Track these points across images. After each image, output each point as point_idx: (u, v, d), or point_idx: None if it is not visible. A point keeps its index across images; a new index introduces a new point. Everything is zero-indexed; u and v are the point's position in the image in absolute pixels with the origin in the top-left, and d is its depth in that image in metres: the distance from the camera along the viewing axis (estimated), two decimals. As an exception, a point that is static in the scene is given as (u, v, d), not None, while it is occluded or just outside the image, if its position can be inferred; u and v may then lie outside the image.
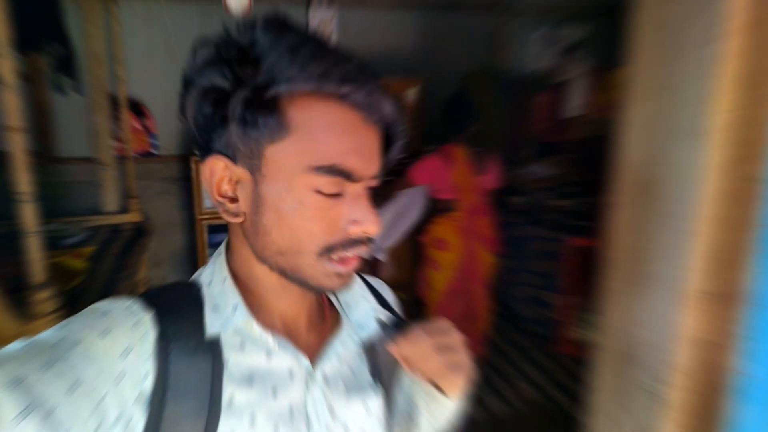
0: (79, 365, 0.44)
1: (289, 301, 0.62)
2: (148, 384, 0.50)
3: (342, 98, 0.52)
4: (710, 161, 0.90)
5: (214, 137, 0.54)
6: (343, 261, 0.56)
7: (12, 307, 1.53)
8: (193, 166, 3.86)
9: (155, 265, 4.34)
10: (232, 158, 0.54)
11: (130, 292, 3.08)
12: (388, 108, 0.55)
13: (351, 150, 0.52)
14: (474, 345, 3.30)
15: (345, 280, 0.58)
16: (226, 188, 0.57)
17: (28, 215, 1.59)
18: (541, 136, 4.24)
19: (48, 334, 0.47)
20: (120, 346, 0.49)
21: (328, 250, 0.54)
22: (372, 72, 0.54)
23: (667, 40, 0.98)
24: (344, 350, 0.65)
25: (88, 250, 2.77)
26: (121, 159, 3.75)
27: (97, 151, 3.58)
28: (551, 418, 2.76)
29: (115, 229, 3.45)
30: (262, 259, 0.58)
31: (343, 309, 0.68)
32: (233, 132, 0.52)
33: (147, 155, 4.17)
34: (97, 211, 3.61)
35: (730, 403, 0.89)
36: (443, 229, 3.10)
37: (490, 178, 3.12)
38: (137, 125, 4.02)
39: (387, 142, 0.58)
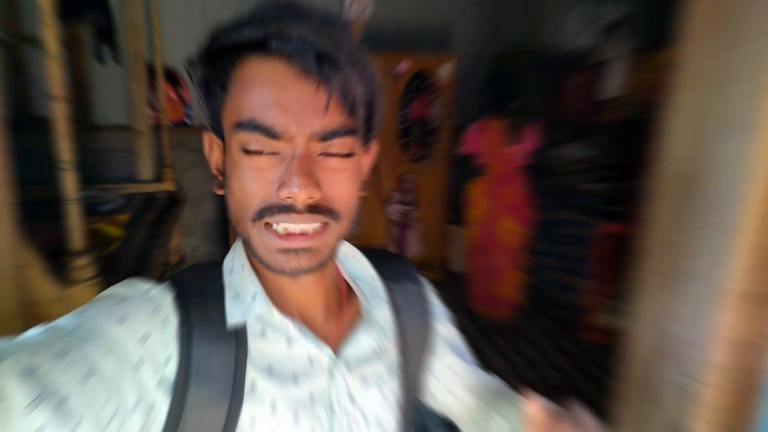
0: (94, 353, 0.44)
1: (302, 289, 0.61)
2: (170, 369, 0.51)
3: (271, 53, 0.49)
4: (760, 157, 0.86)
5: (204, 112, 0.57)
6: (285, 236, 0.52)
7: (51, 272, 1.57)
8: (225, 137, 3.90)
9: (187, 235, 4.43)
10: (215, 131, 0.57)
11: (163, 260, 3.16)
12: (331, 62, 0.49)
13: (271, 104, 0.49)
14: (500, 309, 3.55)
15: (296, 260, 0.53)
16: (219, 162, 0.58)
17: (69, 183, 1.63)
18: (576, 117, 4.14)
19: (65, 321, 0.47)
20: (138, 333, 0.49)
21: (259, 215, 0.52)
22: (317, 24, 0.50)
23: (722, 27, 0.93)
24: (365, 339, 0.64)
25: (124, 217, 2.82)
26: (157, 128, 3.80)
27: (134, 120, 3.64)
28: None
29: (150, 197, 3.52)
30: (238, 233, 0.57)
31: (366, 300, 0.67)
32: (203, 105, 0.56)
33: (181, 125, 4.22)
34: (132, 179, 3.68)
35: (763, 404, 0.87)
36: (474, 189, 3.55)
37: (522, 149, 3.36)
38: (173, 95, 4.06)
39: (348, 101, 0.51)
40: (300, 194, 0.49)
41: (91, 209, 2.65)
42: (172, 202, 3.58)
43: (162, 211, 3.35)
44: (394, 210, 4.09)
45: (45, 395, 0.38)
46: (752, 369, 0.89)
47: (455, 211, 3.98)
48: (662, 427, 1.06)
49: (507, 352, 3.32)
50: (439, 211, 4.46)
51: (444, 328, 0.77)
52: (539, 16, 4.48)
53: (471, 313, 3.70)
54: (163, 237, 2.98)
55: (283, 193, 0.50)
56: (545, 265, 3.95)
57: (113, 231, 2.56)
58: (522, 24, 4.51)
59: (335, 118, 0.51)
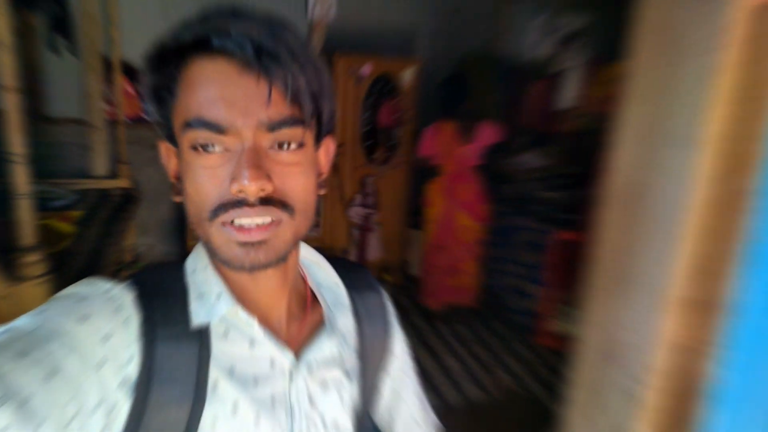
0: (56, 352, 0.44)
1: (265, 291, 0.62)
2: (132, 369, 0.50)
3: (215, 53, 0.50)
4: (701, 170, 0.91)
5: (156, 120, 0.58)
6: (241, 229, 0.52)
7: (0, 268, 1.53)
8: (184, 134, 3.84)
9: (142, 233, 4.32)
10: (168, 138, 0.58)
11: (117, 258, 3.07)
12: (273, 56, 0.50)
13: (215, 99, 0.50)
14: (460, 296, 3.74)
15: (254, 254, 0.53)
16: (176, 170, 0.59)
17: (20, 176, 1.58)
18: (533, 126, 4.25)
19: (24, 321, 0.47)
20: (100, 332, 0.48)
21: (215, 213, 0.52)
22: (255, 20, 0.51)
23: (668, 43, 0.98)
24: (327, 345, 0.65)
25: (76, 213, 2.75)
26: (112, 123, 3.70)
27: (88, 114, 3.53)
28: (527, 408, 2.82)
29: (104, 194, 3.42)
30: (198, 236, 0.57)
31: (329, 307, 0.68)
32: (153, 113, 0.56)
33: (138, 121, 4.12)
34: (85, 175, 3.57)
35: (703, 407, 0.92)
36: (431, 189, 3.70)
37: (474, 147, 3.50)
38: (130, 90, 3.96)
39: (291, 91, 0.52)
40: (250, 186, 0.50)
41: (42, 204, 2.56)
42: (128, 199, 3.49)
43: (117, 208, 3.27)
44: (356, 213, 4.09)
45: (8, 396, 0.38)
46: (692, 373, 0.94)
47: (416, 215, 4.04)
48: (608, 430, 1.10)
49: (463, 355, 3.37)
50: (400, 214, 4.50)
51: (399, 348, 0.78)
52: (500, 25, 4.58)
53: (426, 314, 3.75)
54: (117, 235, 2.90)
55: (234, 187, 0.50)
56: (501, 270, 4.03)
57: (65, 227, 2.49)
58: (484, 32, 4.60)
59: (280, 109, 0.51)
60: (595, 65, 3.65)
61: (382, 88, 4.16)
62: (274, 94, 0.50)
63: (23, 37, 3.33)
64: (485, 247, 3.79)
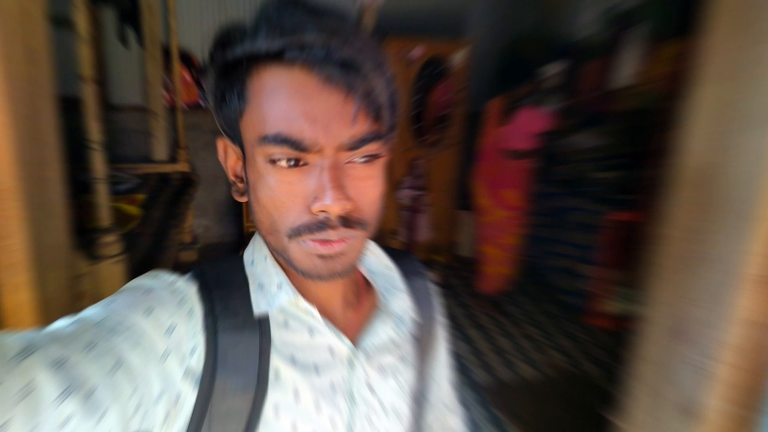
0: (121, 345, 0.44)
1: (321, 282, 0.60)
2: (195, 359, 0.51)
3: (291, 62, 0.47)
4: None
5: (218, 118, 0.55)
6: (323, 242, 0.51)
7: (81, 248, 1.62)
8: (239, 119, 3.93)
9: (200, 215, 4.48)
10: (231, 138, 0.56)
11: (179, 239, 3.19)
12: (355, 69, 0.47)
13: (297, 116, 0.47)
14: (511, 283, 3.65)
15: (331, 265, 0.53)
16: (237, 169, 0.59)
17: (98, 162, 1.68)
18: (589, 105, 4.15)
19: (92, 312, 0.47)
20: (164, 325, 0.49)
21: (296, 233, 0.51)
22: (335, 30, 0.48)
23: (748, 23, 0.95)
24: (382, 329, 0.66)
25: (141, 197, 2.87)
26: (171, 109, 3.83)
27: (149, 101, 3.67)
28: (579, 386, 2.82)
29: (164, 177, 3.56)
30: (265, 240, 0.58)
31: (381, 292, 0.68)
32: (215, 110, 0.55)
33: (196, 107, 4.24)
34: (147, 160, 3.72)
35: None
36: (475, 174, 3.61)
37: (510, 130, 3.34)
38: (187, 77, 4.08)
39: (373, 107, 0.49)
40: (334, 207, 0.48)
41: (109, 188, 2.69)
42: (187, 182, 3.62)
43: (177, 191, 3.40)
44: (405, 195, 4.12)
45: (74, 386, 0.39)
46: (765, 348, 0.94)
47: (465, 197, 4.02)
48: (677, 404, 1.10)
49: (514, 333, 3.38)
50: (450, 196, 4.50)
51: (442, 334, 0.79)
52: (554, 3, 4.46)
53: (478, 295, 3.76)
54: (178, 217, 3.02)
55: (317, 207, 0.49)
56: (553, 251, 3.99)
57: (132, 210, 2.61)
58: (536, 11, 4.50)
59: (362, 126, 0.49)
60: (654, 42, 3.53)
61: (433, 70, 4.15)
62: (358, 112, 0.48)
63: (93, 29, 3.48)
64: (534, 229, 3.74)
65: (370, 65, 0.48)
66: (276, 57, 0.48)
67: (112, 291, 0.52)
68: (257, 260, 0.61)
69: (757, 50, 0.93)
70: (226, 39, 0.50)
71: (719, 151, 1.01)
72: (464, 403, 0.80)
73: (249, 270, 0.61)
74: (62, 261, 1.38)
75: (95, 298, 0.52)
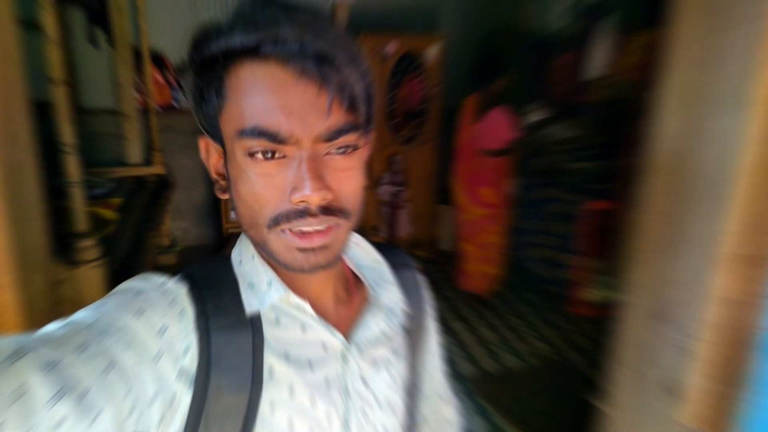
0: (113, 346, 0.44)
1: (313, 280, 0.62)
2: (189, 360, 0.51)
3: (266, 57, 0.49)
4: (750, 132, 0.92)
5: (198, 117, 0.56)
6: (302, 235, 0.52)
7: (58, 253, 1.59)
8: (214, 120, 3.89)
9: (178, 218, 4.43)
10: (212, 137, 0.57)
11: (156, 243, 3.14)
12: (329, 62, 0.48)
13: (273, 108, 0.48)
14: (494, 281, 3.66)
15: (313, 258, 0.53)
16: (219, 167, 0.59)
17: (72, 166, 1.65)
18: (561, 97, 4.21)
19: (83, 315, 0.47)
20: (155, 326, 0.49)
21: (275, 221, 0.52)
22: (309, 25, 0.49)
23: (714, 9, 0.98)
24: (374, 322, 0.66)
25: (117, 201, 2.83)
26: (144, 112, 3.77)
27: (121, 104, 3.61)
28: (563, 374, 2.86)
29: (140, 181, 3.51)
30: (248, 236, 0.58)
31: (371, 286, 0.68)
32: (195, 109, 0.56)
33: (169, 108, 4.19)
34: (121, 163, 3.66)
35: (755, 358, 0.95)
36: (452, 168, 3.63)
37: (481, 128, 3.36)
38: (159, 78, 4.02)
39: (348, 98, 0.51)
40: (313, 197, 0.49)
41: (84, 193, 2.65)
42: (163, 185, 3.57)
43: (153, 194, 3.35)
44: (385, 191, 4.13)
45: (67, 388, 0.38)
46: (744, 325, 0.96)
47: (444, 192, 4.04)
48: (659, 384, 1.13)
49: (497, 325, 3.41)
50: (429, 191, 4.52)
51: (432, 325, 0.80)
52: (524, -3, 4.51)
53: (460, 293, 3.78)
54: (156, 220, 2.99)
55: (296, 197, 0.50)
56: (532, 242, 4.04)
57: (108, 214, 2.57)
58: (508, 4, 4.54)
59: (338, 118, 0.50)
60: (624, 33, 3.59)
61: (408, 66, 4.16)
62: (333, 103, 0.49)
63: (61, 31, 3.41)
64: (514, 220, 3.77)
65: (344, 58, 0.49)
66: (251, 52, 0.49)
67: (92, 296, 0.51)
68: (245, 259, 0.62)
69: (722, 36, 0.96)
70: (203, 38, 0.51)
71: (690, 136, 1.04)
72: (450, 380, 0.81)
73: (238, 270, 0.61)
74: (42, 264, 1.36)
75: (75, 303, 0.51)
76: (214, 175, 0.60)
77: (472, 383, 2.73)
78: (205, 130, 0.57)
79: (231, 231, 4.15)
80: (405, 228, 4.22)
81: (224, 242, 4.23)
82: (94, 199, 2.79)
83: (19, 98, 1.20)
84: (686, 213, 1.04)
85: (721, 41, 0.96)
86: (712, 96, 0.99)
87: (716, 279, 0.98)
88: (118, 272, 2.04)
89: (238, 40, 0.49)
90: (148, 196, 3.26)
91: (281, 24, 0.48)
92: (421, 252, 4.44)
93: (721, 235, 0.96)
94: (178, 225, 4.44)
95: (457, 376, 2.79)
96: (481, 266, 3.63)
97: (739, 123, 0.93)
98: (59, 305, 1.47)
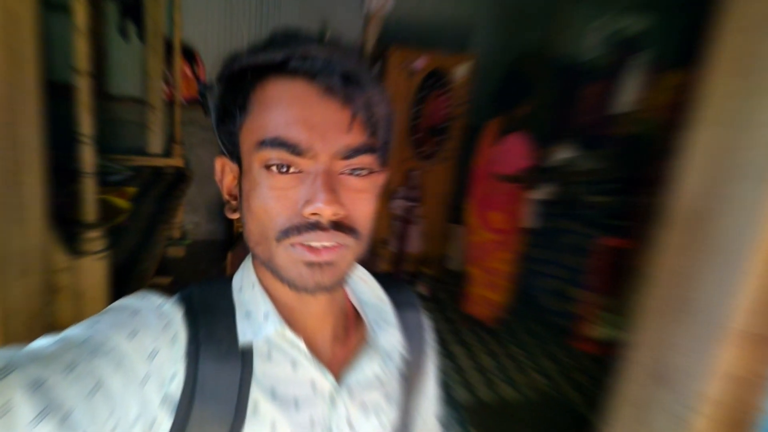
0: (102, 368, 0.44)
1: (312, 313, 0.61)
2: (174, 386, 0.51)
3: (293, 72, 0.51)
4: (772, 206, 0.89)
5: (219, 134, 0.58)
6: (310, 249, 0.52)
7: (63, 240, 1.59)
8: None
9: (191, 211, 4.45)
10: (229, 156, 0.58)
11: (167, 235, 3.15)
12: (355, 81, 0.51)
13: (295, 121, 0.50)
14: (490, 307, 3.61)
15: (319, 275, 0.53)
16: (232, 187, 0.60)
17: (87, 156, 1.65)
18: (586, 128, 4.16)
19: (76, 332, 0.47)
20: (147, 349, 0.49)
21: (285, 234, 0.52)
22: (336, 47, 0.52)
23: (747, 73, 0.94)
24: (368, 366, 0.64)
25: (132, 189, 2.84)
26: (170, 104, 3.81)
27: (147, 93, 3.65)
28: (559, 411, 2.80)
29: (157, 171, 3.53)
30: (255, 256, 0.58)
31: (371, 326, 0.67)
32: (217, 127, 0.57)
33: (194, 102, 4.21)
34: (141, 152, 3.70)
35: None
36: (468, 188, 3.62)
37: (500, 152, 3.34)
38: (188, 72, 4.05)
39: (369, 119, 0.53)
40: (326, 210, 0.50)
41: (99, 179, 2.66)
42: (180, 177, 3.60)
43: (169, 185, 3.37)
44: (398, 205, 4.11)
45: (50, 408, 0.38)
46: (746, 405, 0.92)
47: (458, 211, 4.01)
48: (652, 450, 1.09)
49: (497, 353, 3.36)
50: (443, 209, 4.49)
51: (432, 368, 0.77)
52: (559, 24, 4.48)
53: (464, 313, 3.74)
54: (169, 212, 3.00)
55: (309, 210, 0.50)
56: (542, 272, 3.98)
57: (121, 203, 2.57)
58: (541, 31, 4.52)
59: (358, 137, 0.52)
60: (657, 70, 3.54)
61: (435, 82, 4.14)
62: (355, 122, 0.51)
63: (92, 17, 3.45)
64: (525, 248, 3.72)
65: (369, 80, 0.52)
66: (280, 68, 0.51)
67: (92, 287, 0.51)
68: (245, 287, 0.61)
69: (753, 101, 0.92)
70: (235, 55, 0.54)
71: (713, 198, 1.00)
72: (443, 422, 0.78)
73: (237, 296, 0.60)
74: (36, 265, 1.35)
75: (75, 294, 0.51)
76: (226, 196, 0.61)
77: (465, 411, 2.68)
78: (224, 147, 0.58)
79: (241, 230, 4.14)
80: (415, 244, 4.19)
81: (233, 240, 4.24)
82: (109, 185, 2.81)
83: (31, 102, 1.24)
84: (698, 277, 1.00)
85: (753, 106, 0.93)
86: (739, 161, 0.95)
87: (722, 353, 0.94)
88: (123, 263, 2.05)
89: (268, 55, 0.51)
90: (164, 188, 3.27)
91: (310, 43, 0.51)
92: (428, 269, 4.40)
93: (732, 308, 0.92)
94: (191, 219, 4.46)
95: (451, 402, 2.74)
96: (486, 292, 3.57)
97: (762, 194, 0.89)
98: (55, 294, 1.47)
